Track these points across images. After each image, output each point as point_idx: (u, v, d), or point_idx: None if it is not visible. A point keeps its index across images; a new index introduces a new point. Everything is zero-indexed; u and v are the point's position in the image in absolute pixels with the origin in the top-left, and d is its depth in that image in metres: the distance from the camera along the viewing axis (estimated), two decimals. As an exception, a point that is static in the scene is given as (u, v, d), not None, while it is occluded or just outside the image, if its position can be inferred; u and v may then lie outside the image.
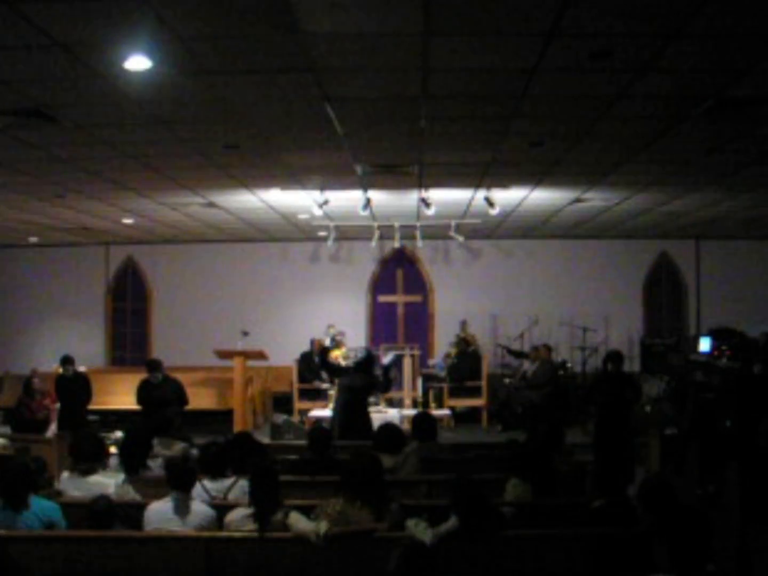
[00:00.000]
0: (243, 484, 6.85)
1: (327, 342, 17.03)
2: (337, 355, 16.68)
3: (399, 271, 18.91)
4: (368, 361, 11.55)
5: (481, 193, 12.56)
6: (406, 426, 11.06)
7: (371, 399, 13.43)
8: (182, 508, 6.20)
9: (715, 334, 17.16)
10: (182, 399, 12.34)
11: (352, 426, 10.78)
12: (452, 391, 16.70)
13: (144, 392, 12.32)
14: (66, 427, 12.36)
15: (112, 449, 8.47)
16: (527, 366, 16.75)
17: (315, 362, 16.14)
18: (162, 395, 12.08)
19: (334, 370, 12.34)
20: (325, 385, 15.86)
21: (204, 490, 6.90)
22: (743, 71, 6.62)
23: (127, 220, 15.51)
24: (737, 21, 5.53)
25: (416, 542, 5.25)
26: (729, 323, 17.50)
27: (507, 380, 17.23)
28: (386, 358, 12.70)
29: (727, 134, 8.85)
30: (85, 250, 19.60)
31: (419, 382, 16.29)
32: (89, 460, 7.32)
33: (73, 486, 7.20)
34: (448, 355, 17.63)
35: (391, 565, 4.55)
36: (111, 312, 20.10)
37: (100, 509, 6.09)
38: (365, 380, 11.35)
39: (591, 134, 8.83)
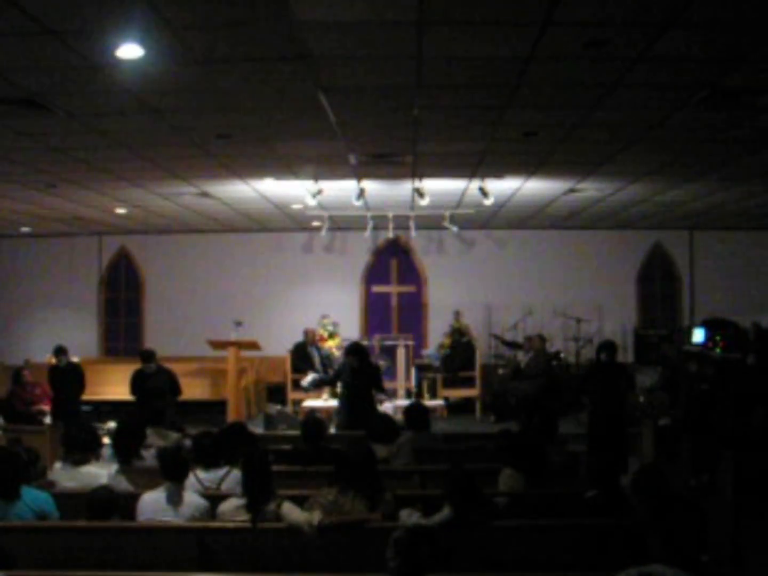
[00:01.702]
0: (236, 474, 6.84)
1: (322, 332, 17.02)
2: (331, 345, 16.70)
3: (393, 262, 18.90)
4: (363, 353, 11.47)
5: (475, 183, 12.56)
6: (399, 416, 11.06)
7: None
8: (175, 499, 6.19)
9: (709, 325, 17.20)
10: (176, 389, 12.33)
11: (359, 417, 10.69)
12: (446, 382, 16.70)
13: (138, 382, 12.31)
14: (59, 417, 12.34)
15: (105, 440, 8.45)
16: (521, 356, 16.77)
17: (314, 356, 16.15)
18: (155, 385, 12.07)
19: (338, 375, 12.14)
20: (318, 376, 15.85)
21: (197, 480, 6.89)
22: (738, 61, 6.61)
23: (120, 210, 15.47)
24: (732, 10, 5.52)
25: (417, 527, 5.24)
26: (723, 314, 17.54)
27: (500, 371, 17.24)
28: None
29: (723, 124, 8.84)
30: (77, 240, 19.55)
31: (413, 372, 16.30)
32: (82, 450, 7.31)
33: (66, 476, 7.18)
34: (441, 346, 17.61)
35: (390, 550, 4.54)
36: (104, 302, 20.05)
37: (101, 500, 6.08)
38: (365, 375, 11.35)
39: (585, 124, 8.81)
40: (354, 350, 11.34)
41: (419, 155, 10.58)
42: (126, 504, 6.33)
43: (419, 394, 15.63)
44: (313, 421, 9.23)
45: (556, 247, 19.09)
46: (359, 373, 11.02)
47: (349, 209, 14.67)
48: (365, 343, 17.48)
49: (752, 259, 18.67)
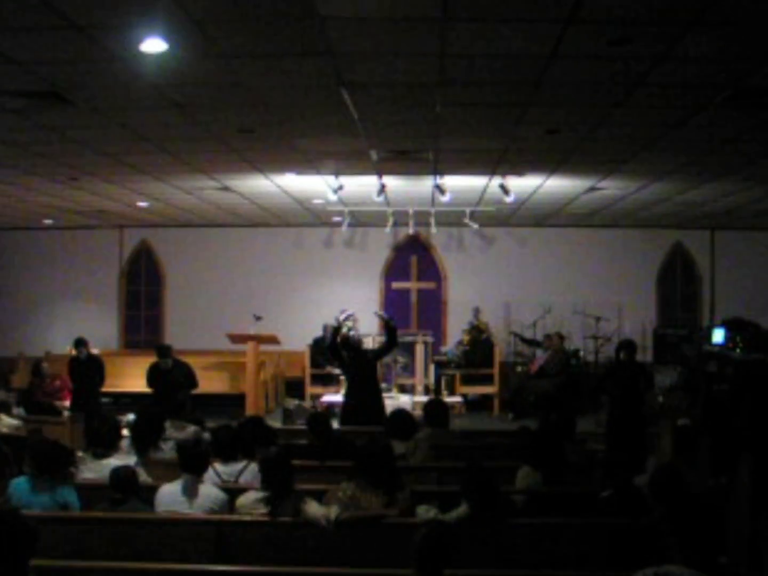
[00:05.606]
0: (254, 467, 6.88)
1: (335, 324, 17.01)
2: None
3: (413, 258, 18.90)
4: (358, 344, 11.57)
5: (496, 180, 12.54)
6: (417, 412, 11.06)
7: (383, 385, 13.44)
8: (193, 491, 6.23)
9: (729, 325, 17.05)
10: (192, 382, 12.34)
11: (365, 408, 10.68)
12: (464, 379, 16.71)
13: (153, 377, 12.36)
14: (79, 409, 12.42)
15: (125, 432, 8.51)
16: (540, 354, 16.74)
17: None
18: (172, 380, 12.10)
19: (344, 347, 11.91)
20: (337, 371, 15.89)
21: (215, 473, 6.93)
22: (762, 60, 6.57)
23: (142, 204, 15.53)
24: (757, 9, 5.48)
25: (441, 522, 5.26)
26: (743, 314, 17.41)
27: (519, 368, 17.22)
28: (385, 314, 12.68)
29: (746, 124, 8.78)
30: (99, 233, 19.66)
31: (431, 369, 16.32)
32: (104, 443, 7.37)
33: (87, 468, 7.23)
34: (460, 343, 17.61)
35: (415, 543, 4.55)
36: (125, 295, 20.15)
37: (125, 475, 6.23)
38: (370, 355, 11.43)
39: (608, 122, 8.78)
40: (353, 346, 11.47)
41: (440, 152, 10.57)
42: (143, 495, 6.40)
43: (438, 391, 15.63)
44: (317, 415, 9.20)
45: (576, 245, 19.02)
46: (359, 360, 11.08)
47: (369, 205, 14.69)
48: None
49: (774, 259, 18.54)
